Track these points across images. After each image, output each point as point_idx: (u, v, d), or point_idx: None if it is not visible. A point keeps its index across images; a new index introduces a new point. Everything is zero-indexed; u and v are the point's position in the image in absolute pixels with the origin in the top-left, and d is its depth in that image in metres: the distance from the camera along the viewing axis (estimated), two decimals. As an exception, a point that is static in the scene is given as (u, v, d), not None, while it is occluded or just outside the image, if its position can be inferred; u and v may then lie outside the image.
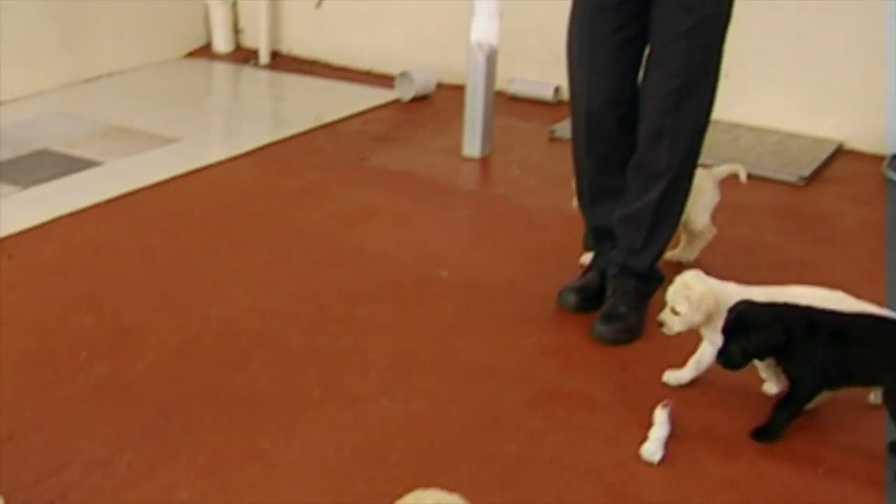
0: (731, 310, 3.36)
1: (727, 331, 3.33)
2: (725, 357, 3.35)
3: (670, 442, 3.30)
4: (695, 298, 3.47)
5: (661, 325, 3.59)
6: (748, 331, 3.29)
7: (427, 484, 2.60)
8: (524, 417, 3.48)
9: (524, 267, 4.47)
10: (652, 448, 3.27)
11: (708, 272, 3.58)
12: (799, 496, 3.16)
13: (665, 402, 3.34)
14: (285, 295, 4.18)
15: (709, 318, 3.49)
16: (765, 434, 3.38)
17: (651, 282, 4.04)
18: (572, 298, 4.12)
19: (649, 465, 3.24)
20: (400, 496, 2.51)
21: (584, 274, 4.25)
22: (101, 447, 3.28)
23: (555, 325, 4.05)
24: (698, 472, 3.24)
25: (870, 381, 3.41)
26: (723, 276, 3.56)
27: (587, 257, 4.34)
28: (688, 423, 3.40)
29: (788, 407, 3.37)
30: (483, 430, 3.39)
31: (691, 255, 4.48)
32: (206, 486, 3.12)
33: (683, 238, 4.49)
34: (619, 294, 4.00)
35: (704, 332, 3.56)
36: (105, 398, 3.53)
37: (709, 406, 3.55)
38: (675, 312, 3.52)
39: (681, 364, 3.64)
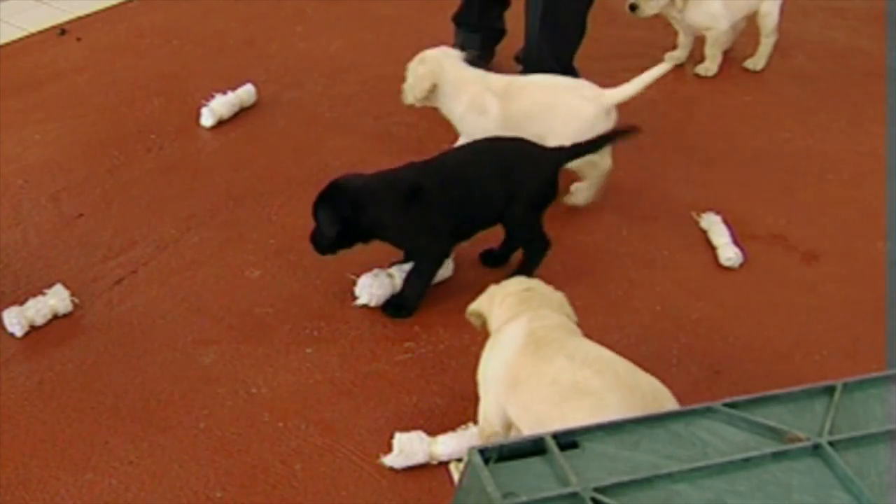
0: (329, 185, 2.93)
1: (315, 210, 2.91)
2: (314, 241, 2.93)
3: (748, 246, 3.21)
4: (418, 73, 3.37)
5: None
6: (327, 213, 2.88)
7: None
8: (600, 210, 3.39)
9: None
10: (730, 253, 3.17)
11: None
12: (876, 301, 3.06)
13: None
14: (357, 82, 4.06)
15: (428, 98, 3.36)
16: (399, 310, 2.96)
17: None
18: None
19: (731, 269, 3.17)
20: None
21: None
22: (171, 227, 3.27)
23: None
24: (777, 276, 3.16)
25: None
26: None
27: None
28: (761, 231, 3.32)
29: (418, 280, 2.96)
30: (559, 218, 3.25)
31: (760, 62, 4.27)
32: (276, 266, 3.10)
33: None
34: None
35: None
36: (174, 179, 3.50)
37: (777, 213, 3.43)
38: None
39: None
